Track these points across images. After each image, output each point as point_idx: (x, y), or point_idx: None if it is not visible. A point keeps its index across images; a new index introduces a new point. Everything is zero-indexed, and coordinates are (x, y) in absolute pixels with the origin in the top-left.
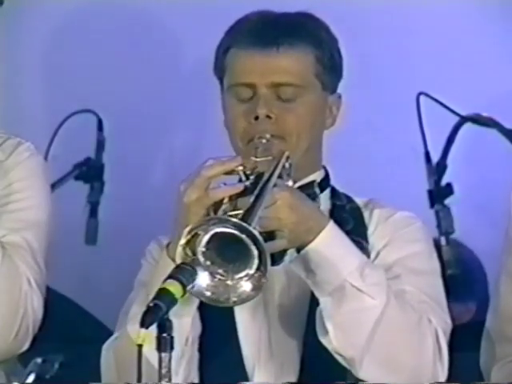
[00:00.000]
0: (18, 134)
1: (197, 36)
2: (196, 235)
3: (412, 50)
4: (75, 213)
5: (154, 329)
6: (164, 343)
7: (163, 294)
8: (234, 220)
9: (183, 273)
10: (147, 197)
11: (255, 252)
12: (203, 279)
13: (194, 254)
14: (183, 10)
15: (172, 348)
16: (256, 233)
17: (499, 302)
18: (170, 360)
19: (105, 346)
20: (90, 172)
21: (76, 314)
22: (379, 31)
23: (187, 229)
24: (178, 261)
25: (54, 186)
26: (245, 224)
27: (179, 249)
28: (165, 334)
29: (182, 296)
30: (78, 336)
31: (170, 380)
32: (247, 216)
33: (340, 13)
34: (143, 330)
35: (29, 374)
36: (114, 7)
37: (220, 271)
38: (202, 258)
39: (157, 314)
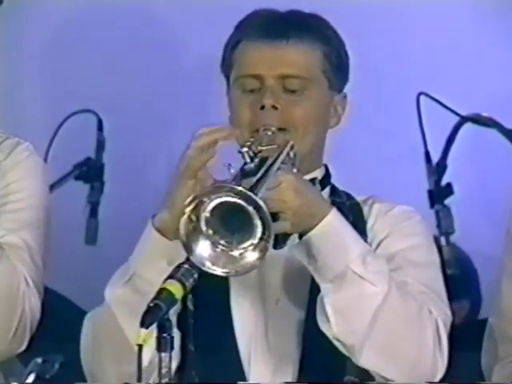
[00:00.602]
0: (18, 134)
1: (197, 37)
2: (201, 203)
3: (412, 50)
4: (75, 213)
5: (154, 328)
6: (164, 343)
7: (163, 293)
8: (239, 188)
9: (183, 273)
10: (147, 197)
11: (258, 221)
12: (205, 249)
13: (198, 219)
14: (184, 10)
15: (172, 348)
16: (259, 200)
17: (501, 302)
18: (170, 360)
19: (87, 316)
20: (90, 172)
21: (76, 315)
22: (379, 31)
23: (191, 197)
24: (181, 228)
25: (54, 186)
26: (249, 193)
27: (184, 216)
28: (165, 334)
29: (183, 296)
30: (78, 336)
31: (170, 380)
32: (252, 188)
33: (340, 13)
34: (143, 330)
35: (29, 374)
36: (114, 7)
37: (222, 242)
38: (204, 227)
39: (157, 314)
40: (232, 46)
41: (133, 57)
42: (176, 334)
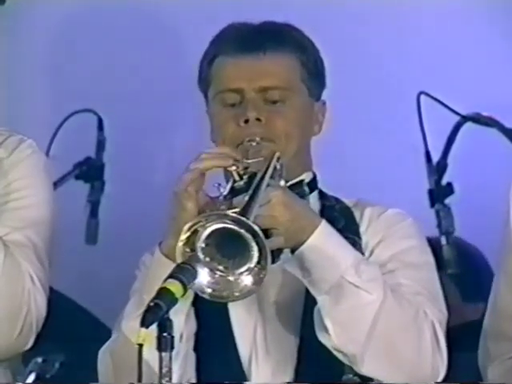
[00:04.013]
0: (18, 133)
1: (198, 36)
2: (195, 232)
3: (412, 49)
4: (75, 212)
5: (154, 329)
6: (164, 343)
7: (164, 293)
8: (233, 215)
9: (184, 272)
10: (148, 196)
11: (255, 246)
12: (203, 276)
13: (193, 250)
14: (184, 10)
15: (172, 347)
16: (255, 226)
17: (497, 300)
18: (170, 359)
19: (101, 350)
20: (91, 171)
21: (76, 314)
22: (379, 31)
23: (186, 226)
24: (179, 258)
25: (54, 186)
26: (243, 218)
27: (179, 244)
28: (165, 334)
29: (183, 295)
30: (79, 335)
31: (170, 379)
32: (244, 211)
33: (340, 13)
34: (143, 330)
35: (29, 374)
36: (115, 7)
37: (220, 268)
38: (201, 255)
39: (157, 314)
40: (208, 61)
41: (133, 56)
42: (192, 355)
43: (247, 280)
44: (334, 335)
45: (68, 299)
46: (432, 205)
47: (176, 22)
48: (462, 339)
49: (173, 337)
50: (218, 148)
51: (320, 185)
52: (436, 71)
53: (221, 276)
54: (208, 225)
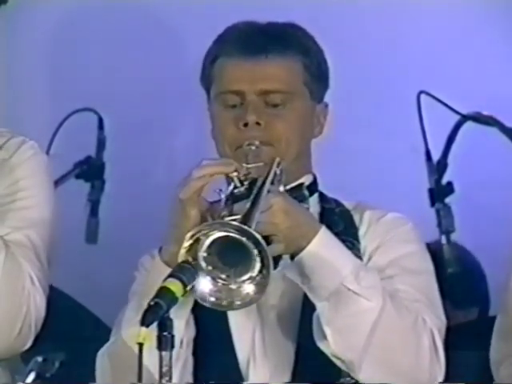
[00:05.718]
0: (19, 132)
1: (198, 35)
2: (197, 240)
3: (412, 48)
4: (76, 211)
5: (154, 328)
6: (165, 342)
7: (164, 292)
8: (235, 223)
9: (184, 272)
10: (148, 196)
11: (257, 254)
12: (206, 284)
13: (195, 259)
14: (184, 9)
15: (173, 347)
16: (257, 235)
17: (508, 300)
18: (170, 359)
19: (100, 352)
20: (91, 170)
21: (77, 313)
22: (380, 31)
23: (189, 234)
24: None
25: (54, 185)
26: (245, 227)
27: (182, 251)
28: (165, 333)
29: (183, 295)
30: (79, 334)
31: (170, 379)
32: (246, 219)
33: (340, 12)
34: (143, 329)
35: (29, 373)
36: (116, 7)
37: (222, 276)
38: (203, 263)
39: (157, 313)
40: (210, 60)
41: (133, 56)
42: (190, 359)
43: (249, 288)
44: (333, 342)
45: (68, 298)
46: (432, 204)
47: (176, 22)
48: (463, 338)
49: (173, 336)
50: (218, 159)
51: (320, 186)
52: (436, 70)
53: (223, 284)
54: (210, 233)
